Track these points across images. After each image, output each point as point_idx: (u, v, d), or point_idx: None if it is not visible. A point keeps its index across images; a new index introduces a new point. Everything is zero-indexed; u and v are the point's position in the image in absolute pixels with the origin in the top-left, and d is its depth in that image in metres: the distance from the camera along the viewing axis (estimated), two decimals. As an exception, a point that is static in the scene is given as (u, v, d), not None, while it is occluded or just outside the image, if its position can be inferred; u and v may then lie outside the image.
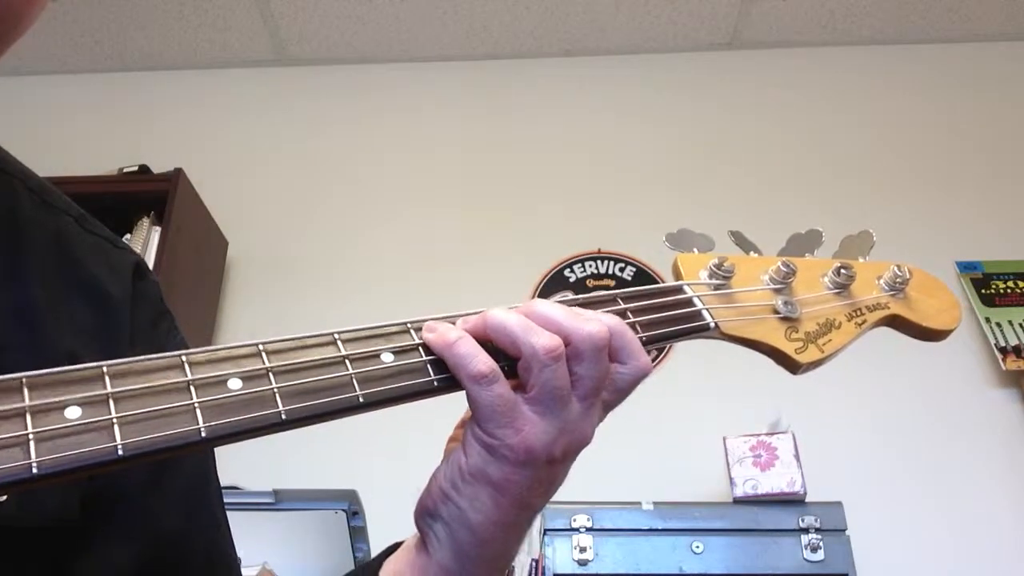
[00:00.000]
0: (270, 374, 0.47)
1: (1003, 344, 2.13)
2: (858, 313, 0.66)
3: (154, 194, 2.22)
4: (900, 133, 2.55)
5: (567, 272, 2.36)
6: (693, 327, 0.61)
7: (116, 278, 0.63)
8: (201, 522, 0.64)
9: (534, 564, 1.78)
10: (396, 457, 1.99)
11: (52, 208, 0.62)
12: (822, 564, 1.73)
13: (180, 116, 2.74)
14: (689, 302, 0.62)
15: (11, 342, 0.53)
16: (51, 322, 0.56)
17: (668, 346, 2.07)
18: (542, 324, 0.53)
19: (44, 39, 2.71)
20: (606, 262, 2.37)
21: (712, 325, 0.61)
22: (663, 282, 0.64)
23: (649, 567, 1.74)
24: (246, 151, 2.66)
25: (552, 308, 0.54)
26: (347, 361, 0.49)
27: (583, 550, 1.76)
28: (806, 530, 1.75)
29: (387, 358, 0.51)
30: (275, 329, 2.16)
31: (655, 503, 1.82)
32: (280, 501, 1.69)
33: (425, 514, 0.55)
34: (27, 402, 0.41)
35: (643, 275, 2.33)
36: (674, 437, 2.09)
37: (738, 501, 1.80)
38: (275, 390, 0.47)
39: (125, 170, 2.32)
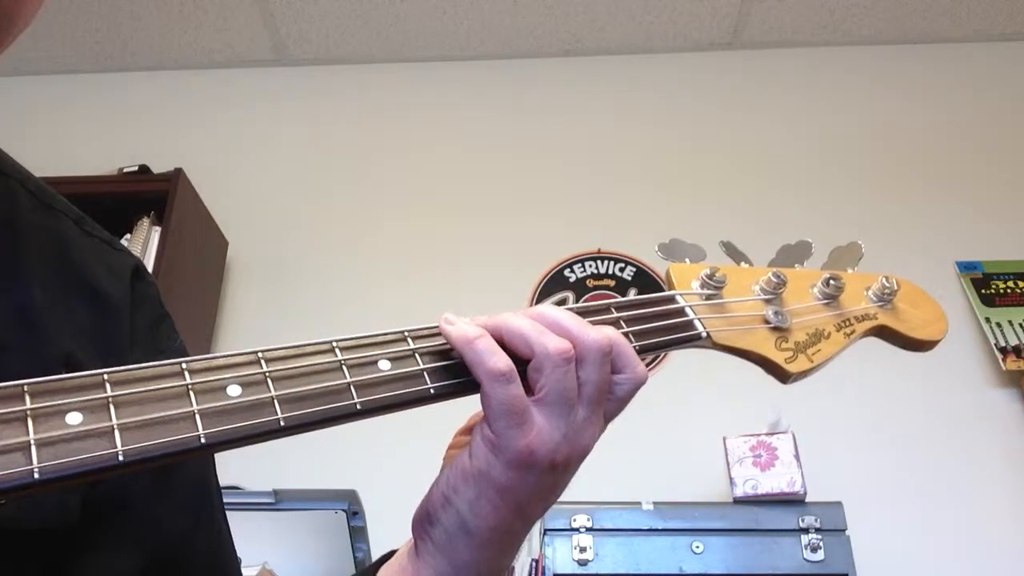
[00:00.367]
0: (269, 380, 0.48)
1: (1003, 344, 2.13)
2: (847, 323, 0.67)
3: (154, 194, 2.23)
4: (900, 133, 2.55)
5: (567, 272, 2.36)
6: (685, 336, 0.62)
7: (115, 280, 0.63)
8: (204, 525, 0.65)
9: (534, 564, 1.79)
10: (396, 457, 1.99)
11: (51, 210, 0.62)
12: (822, 564, 1.73)
13: (180, 116, 2.74)
14: (681, 312, 0.63)
15: (11, 343, 0.53)
16: (50, 324, 0.56)
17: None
18: (551, 327, 0.54)
19: (44, 39, 2.71)
20: (606, 262, 2.37)
21: (704, 335, 0.62)
22: (663, 283, 0.65)
23: (649, 567, 1.75)
24: (246, 151, 2.66)
25: (561, 313, 0.55)
26: (345, 368, 0.50)
27: (583, 550, 1.76)
28: (806, 530, 1.76)
29: (384, 365, 0.51)
30: (275, 329, 2.18)
31: (655, 503, 1.82)
32: (280, 501, 1.69)
33: (424, 520, 0.56)
34: (28, 407, 0.41)
35: (643, 275, 2.33)
36: (674, 437, 2.09)
37: (738, 501, 1.80)
38: (274, 397, 0.47)
39: (125, 170, 2.32)
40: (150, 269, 2.05)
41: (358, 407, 0.49)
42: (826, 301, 0.68)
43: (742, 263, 0.69)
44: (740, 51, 2.73)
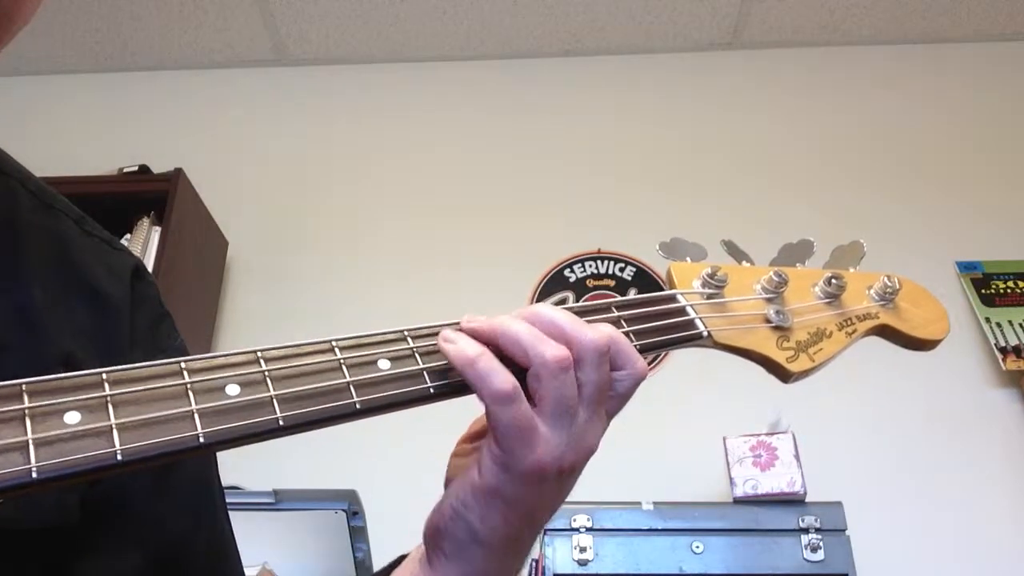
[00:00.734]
0: (268, 380, 0.47)
1: (1003, 344, 2.13)
2: (848, 323, 0.67)
3: (154, 194, 2.23)
4: (900, 133, 2.55)
5: (567, 272, 2.36)
6: (686, 336, 0.61)
7: (115, 280, 0.63)
8: (205, 524, 0.65)
9: (534, 564, 1.79)
10: (396, 457, 1.99)
11: (51, 210, 0.62)
12: (822, 564, 1.73)
13: (180, 116, 2.74)
14: (682, 311, 0.63)
15: (11, 343, 0.53)
16: (50, 323, 0.56)
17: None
18: (547, 330, 0.53)
19: (44, 39, 2.71)
20: (606, 262, 2.37)
21: (705, 334, 0.62)
22: (663, 282, 0.65)
23: (649, 567, 1.74)
24: (246, 151, 2.66)
25: (556, 313, 0.54)
26: (344, 367, 0.50)
27: (583, 550, 1.76)
28: (806, 530, 1.76)
29: (384, 365, 0.51)
30: (275, 329, 2.18)
31: (655, 503, 1.82)
32: (280, 501, 1.69)
33: (434, 532, 0.56)
34: (27, 406, 0.41)
35: (643, 275, 2.33)
36: (674, 437, 2.09)
37: (738, 501, 1.80)
38: (273, 396, 0.47)
39: (125, 170, 2.32)
40: (150, 269, 2.05)
41: (357, 406, 0.49)
42: (828, 300, 0.68)
43: (743, 262, 0.68)
44: (740, 51, 2.73)
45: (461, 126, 2.67)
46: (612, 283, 2.33)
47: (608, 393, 0.55)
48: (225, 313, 2.40)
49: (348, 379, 0.49)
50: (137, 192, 2.26)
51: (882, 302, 0.69)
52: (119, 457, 0.42)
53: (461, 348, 0.52)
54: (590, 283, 2.34)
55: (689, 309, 0.63)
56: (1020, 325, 2.16)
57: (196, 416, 0.45)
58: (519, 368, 0.52)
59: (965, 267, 2.28)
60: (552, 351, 0.51)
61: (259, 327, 2.35)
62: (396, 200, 2.55)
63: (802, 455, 1.81)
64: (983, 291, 2.23)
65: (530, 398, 0.52)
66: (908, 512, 2.01)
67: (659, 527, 1.78)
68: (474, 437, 0.58)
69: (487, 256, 2.41)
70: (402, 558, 0.62)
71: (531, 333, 0.52)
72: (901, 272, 0.71)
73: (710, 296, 0.64)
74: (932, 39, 2.69)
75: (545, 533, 1.78)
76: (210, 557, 0.64)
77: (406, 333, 0.53)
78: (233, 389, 0.46)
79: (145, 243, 2.14)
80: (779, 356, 0.63)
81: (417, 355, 0.52)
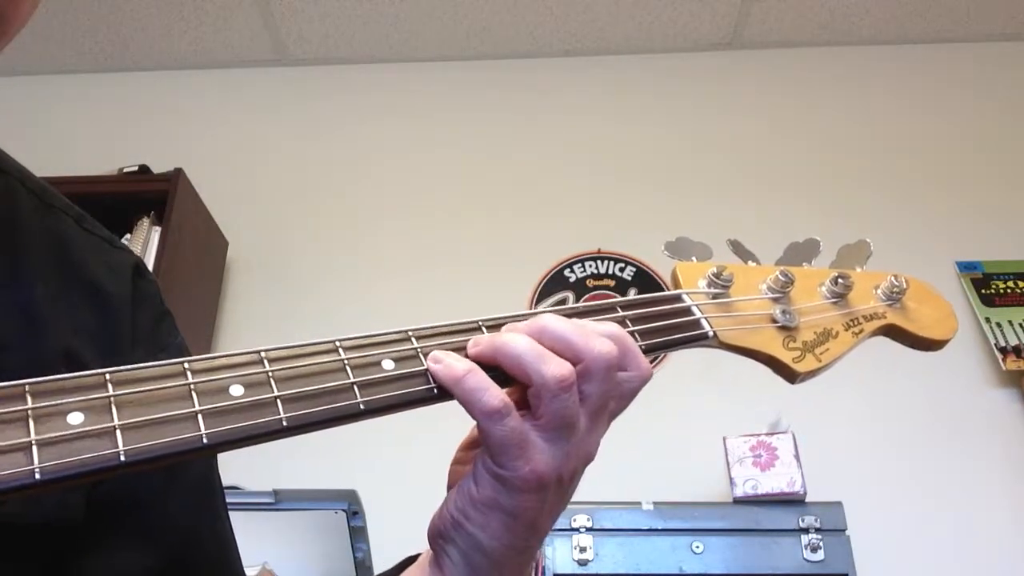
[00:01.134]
0: (271, 380, 0.47)
1: (1003, 344, 2.13)
2: (855, 323, 0.66)
3: (154, 194, 2.22)
4: (900, 133, 2.55)
5: (567, 272, 2.36)
6: (691, 336, 0.61)
7: (116, 278, 0.63)
8: (208, 524, 0.65)
9: (534, 564, 1.79)
10: (396, 457, 1.99)
11: (52, 208, 0.62)
12: (822, 564, 1.73)
13: (180, 116, 2.74)
14: (688, 311, 0.62)
15: (12, 342, 0.53)
16: (52, 322, 0.56)
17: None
18: (551, 343, 0.52)
19: (44, 39, 2.71)
20: (606, 262, 2.37)
21: (711, 334, 0.61)
22: (663, 282, 0.65)
23: (649, 567, 1.75)
24: (246, 151, 2.66)
25: (561, 325, 0.53)
26: (348, 368, 0.50)
27: (583, 550, 1.76)
28: (806, 530, 1.76)
29: (388, 365, 0.51)
30: (275, 329, 2.18)
31: (655, 503, 1.82)
32: (280, 501, 1.69)
33: (438, 536, 0.55)
34: (30, 407, 0.41)
35: (643, 275, 2.33)
36: (674, 437, 2.09)
37: (738, 501, 1.80)
38: (276, 396, 0.47)
39: (125, 170, 2.32)
40: (150, 269, 2.05)
41: (361, 407, 0.49)
42: (834, 300, 0.67)
43: (749, 262, 0.68)
44: (740, 51, 2.73)
45: (461, 126, 2.67)
46: (612, 283, 2.33)
47: (612, 397, 0.54)
48: (225, 313, 2.40)
49: (352, 380, 0.49)
50: (137, 192, 2.25)
51: (889, 302, 0.69)
52: (122, 458, 0.42)
53: (448, 366, 0.51)
54: (590, 283, 2.34)
55: (695, 309, 0.62)
56: (1020, 325, 2.16)
57: (200, 417, 0.44)
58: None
59: (965, 267, 2.28)
60: (553, 371, 0.50)
61: (259, 327, 2.35)
62: (396, 200, 2.55)
63: (802, 455, 1.81)
64: (983, 291, 2.23)
65: (525, 406, 0.52)
66: (908, 512, 2.01)
67: (659, 527, 1.79)
68: (473, 444, 0.57)
69: (487, 256, 2.41)
70: (411, 559, 0.61)
71: (533, 350, 0.51)
72: (900, 272, 0.71)
73: (716, 296, 0.64)
74: (932, 39, 2.69)
75: (545, 533, 1.78)
76: (212, 557, 0.64)
77: (410, 333, 0.53)
78: (237, 390, 0.46)
79: (145, 243, 2.14)
80: (785, 356, 0.62)
81: (421, 355, 0.52)
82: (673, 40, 2.71)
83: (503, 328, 0.54)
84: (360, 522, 1.69)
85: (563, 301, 2.29)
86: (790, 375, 0.63)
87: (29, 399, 0.41)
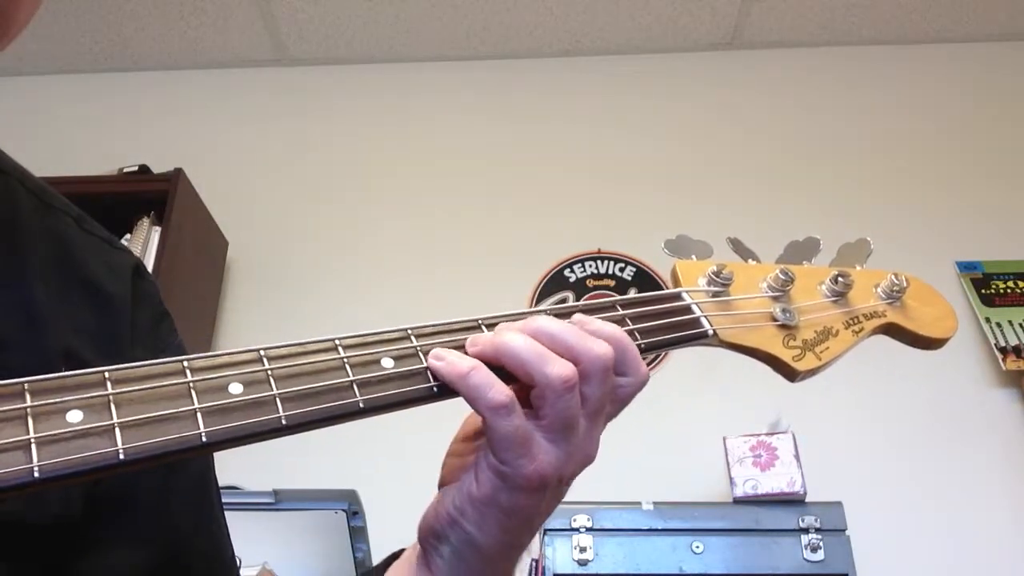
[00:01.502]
0: (271, 379, 0.47)
1: (1003, 344, 2.13)
2: (855, 321, 0.66)
3: (154, 194, 2.22)
4: (900, 133, 2.55)
5: (567, 272, 2.36)
6: (691, 334, 0.61)
7: (116, 278, 0.63)
8: (205, 523, 0.65)
9: (534, 564, 1.79)
10: (396, 457, 1.99)
11: (51, 208, 0.62)
12: (822, 564, 1.73)
13: (180, 116, 2.74)
14: (688, 309, 0.62)
15: (12, 341, 0.54)
16: (52, 321, 0.56)
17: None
18: (551, 345, 0.52)
19: (44, 39, 2.71)
20: (606, 262, 2.37)
21: (710, 332, 0.61)
22: (663, 282, 0.65)
23: (649, 567, 1.74)
24: (246, 151, 2.66)
25: (558, 326, 0.53)
26: (347, 366, 0.50)
27: (583, 550, 1.76)
28: (806, 530, 1.76)
29: (387, 363, 0.51)
30: (275, 329, 2.17)
31: (655, 503, 1.82)
32: (280, 501, 1.69)
33: (430, 535, 0.55)
34: (28, 405, 0.41)
35: (643, 275, 2.33)
36: (674, 437, 2.09)
37: (738, 501, 1.80)
38: (276, 395, 0.47)
39: (125, 170, 2.32)
40: (150, 269, 2.05)
41: (361, 405, 0.49)
42: (834, 298, 0.67)
43: (749, 260, 0.68)
44: (740, 51, 2.73)
45: (461, 126, 2.67)
46: (612, 283, 2.33)
47: (610, 400, 0.54)
48: (225, 313, 2.40)
49: (351, 378, 0.49)
50: (137, 192, 2.25)
51: (889, 300, 0.69)
52: (121, 456, 0.42)
53: (452, 363, 0.51)
54: (590, 283, 2.34)
55: (695, 307, 0.62)
56: (1020, 325, 2.16)
57: (199, 415, 0.44)
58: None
59: (965, 267, 2.28)
60: (557, 371, 0.51)
61: (259, 327, 2.35)
62: (396, 200, 2.55)
63: (802, 455, 1.81)
64: (983, 291, 2.23)
65: (529, 405, 0.52)
66: (908, 512, 2.01)
67: (659, 527, 1.78)
68: (468, 437, 0.57)
69: (487, 256, 2.41)
70: (395, 556, 0.61)
71: (534, 351, 0.51)
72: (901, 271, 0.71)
73: (716, 294, 0.64)
74: (932, 39, 2.69)
75: (545, 533, 1.78)
76: (209, 555, 0.65)
77: (410, 332, 0.53)
78: (236, 388, 0.46)
79: (145, 243, 2.14)
80: (785, 355, 0.62)
81: (421, 354, 0.52)
82: (673, 40, 2.71)
83: (498, 328, 0.54)
84: (360, 522, 1.69)
85: (563, 301, 2.29)
86: (790, 373, 0.63)
87: (28, 397, 0.41)
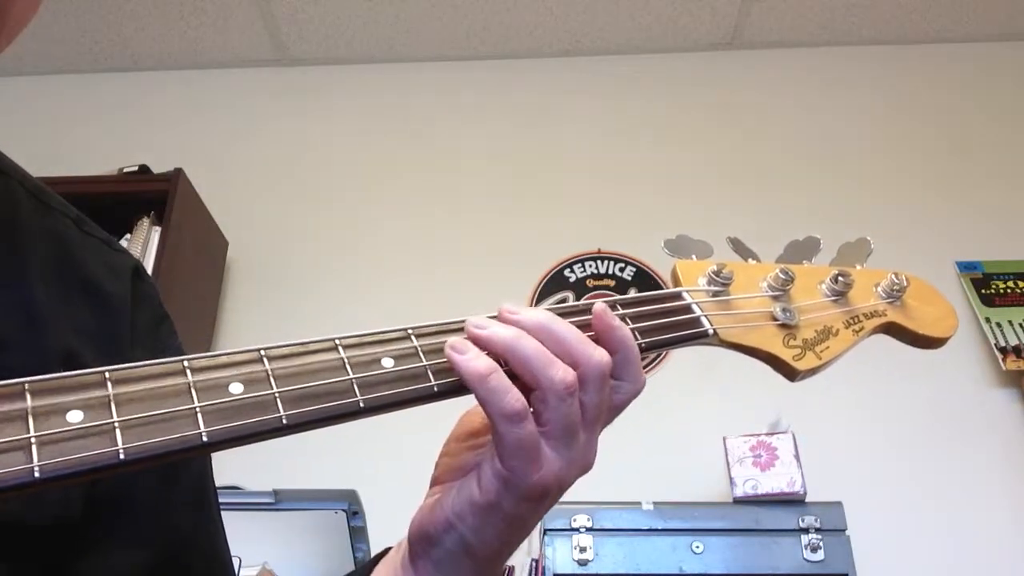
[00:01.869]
0: (271, 378, 0.47)
1: (1003, 344, 2.13)
2: (855, 320, 0.66)
3: (154, 194, 2.22)
4: (900, 133, 2.55)
5: (567, 272, 2.36)
6: (691, 334, 0.61)
7: (116, 279, 0.63)
8: (203, 523, 0.65)
9: (534, 564, 1.79)
10: (396, 457, 1.99)
11: (51, 210, 0.62)
12: (822, 564, 1.73)
13: (180, 116, 2.74)
14: (688, 309, 0.62)
15: (12, 341, 0.54)
16: (52, 321, 0.56)
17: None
18: (556, 346, 0.52)
19: (44, 39, 2.71)
20: (606, 262, 2.37)
21: (711, 332, 0.61)
22: (663, 282, 0.65)
23: (649, 567, 1.74)
24: (246, 151, 2.66)
25: (563, 328, 0.53)
26: (348, 366, 0.50)
27: (583, 550, 1.76)
28: (806, 530, 1.76)
29: (388, 363, 0.51)
30: (275, 329, 2.18)
31: (655, 503, 1.82)
32: (280, 501, 1.69)
33: (423, 537, 0.55)
34: (29, 406, 0.41)
35: (643, 275, 2.33)
36: (674, 437, 2.09)
37: (738, 501, 1.80)
38: (276, 394, 0.47)
39: (125, 170, 2.32)
40: (150, 269, 2.05)
41: (361, 405, 0.49)
42: (835, 298, 0.67)
43: (749, 259, 0.68)
44: (740, 51, 2.73)
45: (461, 126, 2.67)
46: (612, 283, 2.33)
47: (606, 407, 0.54)
48: (225, 313, 2.40)
49: (352, 377, 0.49)
50: (137, 192, 2.25)
51: (889, 299, 0.69)
52: (121, 456, 0.42)
53: (471, 361, 0.51)
54: (590, 283, 2.34)
55: (695, 307, 0.62)
56: (1020, 325, 2.16)
57: (199, 415, 0.44)
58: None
59: (965, 267, 2.28)
60: (562, 375, 0.51)
61: (259, 327, 2.35)
62: (396, 200, 2.55)
63: (802, 455, 1.81)
64: (983, 291, 2.23)
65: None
66: (908, 512, 2.01)
67: (659, 527, 1.78)
68: (462, 437, 0.57)
69: (487, 256, 2.41)
70: (381, 555, 0.61)
71: (541, 354, 0.51)
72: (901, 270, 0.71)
73: (716, 294, 0.63)
74: (932, 39, 2.69)
75: (545, 533, 1.78)
76: (207, 556, 0.65)
77: (410, 331, 0.53)
78: (236, 388, 0.46)
79: (145, 243, 2.14)
80: (786, 354, 0.62)
81: (421, 354, 0.52)
82: (673, 40, 2.71)
83: (501, 312, 0.54)
84: (360, 522, 1.69)
85: (563, 301, 2.29)
86: (790, 373, 0.63)
87: (28, 397, 0.41)
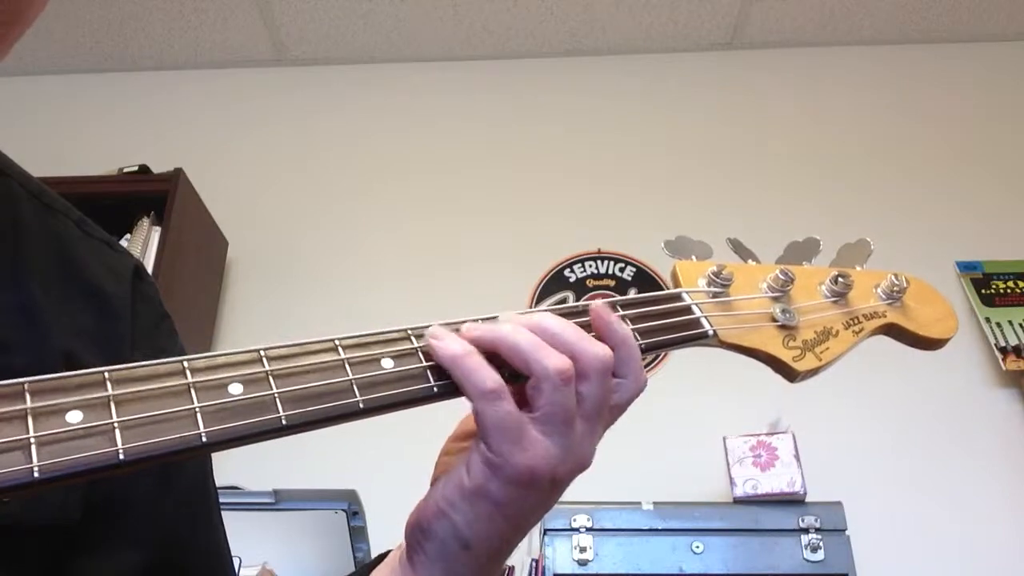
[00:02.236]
0: (271, 378, 0.47)
1: (1003, 344, 2.13)
2: (855, 321, 0.66)
3: (154, 194, 2.22)
4: (900, 133, 2.55)
5: (567, 272, 2.36)
6: (691, 335, 0.61)
7: (116, 280, 0.63)
8: (202, 524, 0.65)
9: (534, 564, 1.79)
10: (396, 457, 1.99)
11: (51, 211, 0.62)
12: (822, 564, 1.73)
13: (180, 116, 2.74)
14: (688, 310, 0.62)
15: (13, 342, 0.54)
16: (53, 323, 0.56)
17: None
18: (551, 341, 0.52)
19: (44, 39, 2.71)
20: (606, 262, 2.37)
21: (711, 333, 0.61)
22: (663, 282, 0.65)
23: (649, 567, 1.74)
24: (246, 151, 2.66)
25: (560, 324, 0.53)
26: (347, 366, 0.50)
27: (583, 550, 1.76)
28: (806, 530, 1.76)
29: (387, 364, 0.51)
30: (275, 329, 2.17)
31: (655, 503, 1.82)
32: (280, 501, 1.69)
33: (417, 530, 0.55)
34: (29, 406, 0.41)
35: (643, 275, 2.33)
36: (674, 437, 2.09)
37: (738, 501, 1.80)
38: (276, 395, 0.47)
39: (125, 170, 2.32)
40: (150, 269, 2.05)
41: (361, 405, 0.49)
42: (834, 299, 0.67)
43: (749, 260, 0.68)
44: (740, 51, 2.73)
45: (461, 126, 2.67)
46: (612, 283, 2.33)
47: (608, 404, 0.54)
48: (225, 313, 2.40)
49: (351, 378, 0.49)
50: (137, 192, 2.25)
51: (889, 301, 0.69)
52: (121, 456, 0.42)
53: (447, 345, 0.51)
54: (590, 283, 2.34)
55: (695, 308, 0.62)
56: (1020, 325, 2.16)
57: (198, 415, 0.44)
58: (514, 371, 0.52)
59: (965, 267, 2.28)
60: (554, 362, 0.51)
61: (259, 327, 2.35)
62: (396, 200, 2.55)
63: (802, 455, 1.81)
64: (983, 291, 2.23)
65: (525, 404, 0.52)
66: (908, 512, 2.01)
67: (659, 527, 1.78)
68: (463, 436, 0.57)
69: (487, 256, 2.41)
70: (381, 557, 0.61)
71: (532, 342, 0.52)
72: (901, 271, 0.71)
73: (716, 295, 0.64)
74: (932, 39, 2.69)
75: (545, 533, 1.78)
76: (207, 556, 0.65)
77: (409, 332, 0.53)
78: (236, 388, 0.46)
79: (145, 243, 2.14)
80: (785, 355, 0.62)
81: (420, 354, 0.52)
82: (673, 40, 2.71)
83: (499, 318, 0.54)
84: (360, 522, 1.69)
85: (563, 301, 2.29)
86: (790, 374, 0.63)
87: (28, 397, 0.41)
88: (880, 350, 0.76)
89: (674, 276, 0.65)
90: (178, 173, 2.26)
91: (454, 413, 0.59)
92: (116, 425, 0.42)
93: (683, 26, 2.67)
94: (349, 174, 2.61)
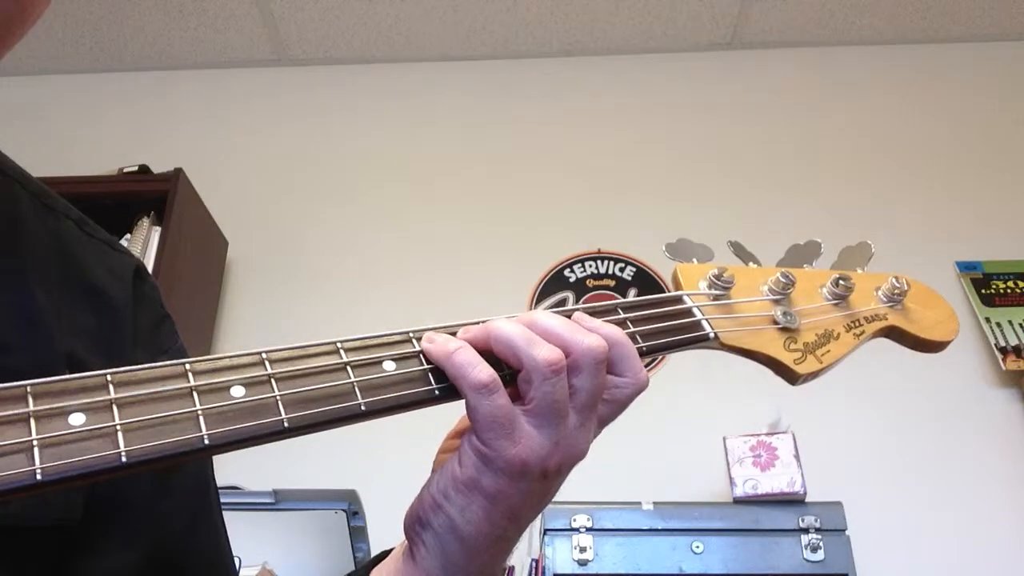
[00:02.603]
0: (272, 381, 0.47)
1: (1003, 344, 2.13)
2: (856, 324, 0.66)
3: (154, 194, 2.22)
4: (900, 133, 2.55)
5: (567, 272, 2.36)
6: (693, 337, 0.61)
7: (117, 281, 0.63)
8: (203, 525, 0.65)
9: (534, 564, 1.79)
10: (396, 457, 1.99)
11: (52, 211, 0.62)
12: (822, 564, 1.73)
13: (180, 116, 2.74)
14: (689, 312, 0.62)
15: (13, 343, 0.53)
16: (53, 324, 0.56)
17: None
18: (543, 336, 0.53)
19: (44, 39, 2.71)
20: (606, 262, 2.37)
21: (712, 335, 0.61)
22: (663, 282, 0.65)
23: (649, 567, 1.74)
24: (246, 151, 2.66)
25: (553, 319, 0.54)
26: (349, 369, 0.50)
27: (583, 550, 1.76)
28: (806, 530, 1.76)
29: (389, 366, 0.51)
30: (275, 329, 2.17)
31: (655, 503, 1.82)
32: (280, 501, 1.69)
33: (415, 523, 0.55)
34: (31, 409, 0.41)
35: (643, 275, 2.33)
36: (674, 437, 2.09)
37: (738, 501, 1.80)
38: (277, 397, 0.47)
39: (125, 170, 2.31)
40: (150, 269, 2.04)
41: (363, 408, 0.49)
42: (835, 301, 0.67)
43: (750, 263, 0.68)
44: (740, 51, 2.73)
45: (461, 126, 2.67)
46: (612, 283, 2.33)
47: (603, 398, 0.55)
48: (225, 313, 2.40)
49: (353, 380, 0.49)
50: (137, 192, 2.25)
51: (890, 303, 0.69)
52: (124, 459, 0.42)
53: (440, 343, 0.52)
54: (590, 283, 2.34)
55: (696, 310, 0.62)
56: (1020, 325, 2.16)
57: (201, 418, 0.45)
58: (512, 369, 0.52)
59: (965, 267, 2.28)
60: (544, 353, 0.51)
61: (259, 327, 2.35)
62: (396, 200, 2.55)
63: (802, 455, 1.81)
64: (983, 291, 2.23)
65: (519, 398, 0.52)
66: (908, 512, 2.01)
67: (659, 527, 1.78)
68: (459, 434, 0.57)
69: (487, 256, 2.41)
70: (380, 557, 0.61)
71: (523, 335, 0.52)
72: (901, 272, 0.71)
73: (717, 297, 0.64)
74: (932, 39, 2.69)
75: (545, 533, 1.78)
76: (207, 557, 0.65)
77: (411, 335, 0.53)
78: (238, 391, 0.46)
79: (145, 243, 2.14)
80: (786, 358, 0.63)
81: (422, 357, 0.52)
82: (673, 40, 2.71)
83: (493, 319, 0.55)
84: (360, 522, 1.69)
85: (563, 301, 2.29)
86: (791, 376, 0.63)
87: (31, 400, 0.41)
88: (881, 350, 0.76)
89: (675, 279, 0.65)
90: (178, 173, 2.26)
91: (454, 413, 0.59)
92: (119, 428, 0.42)
93: (683, 26, 2.67)
94: (349, 174, 2.61)
